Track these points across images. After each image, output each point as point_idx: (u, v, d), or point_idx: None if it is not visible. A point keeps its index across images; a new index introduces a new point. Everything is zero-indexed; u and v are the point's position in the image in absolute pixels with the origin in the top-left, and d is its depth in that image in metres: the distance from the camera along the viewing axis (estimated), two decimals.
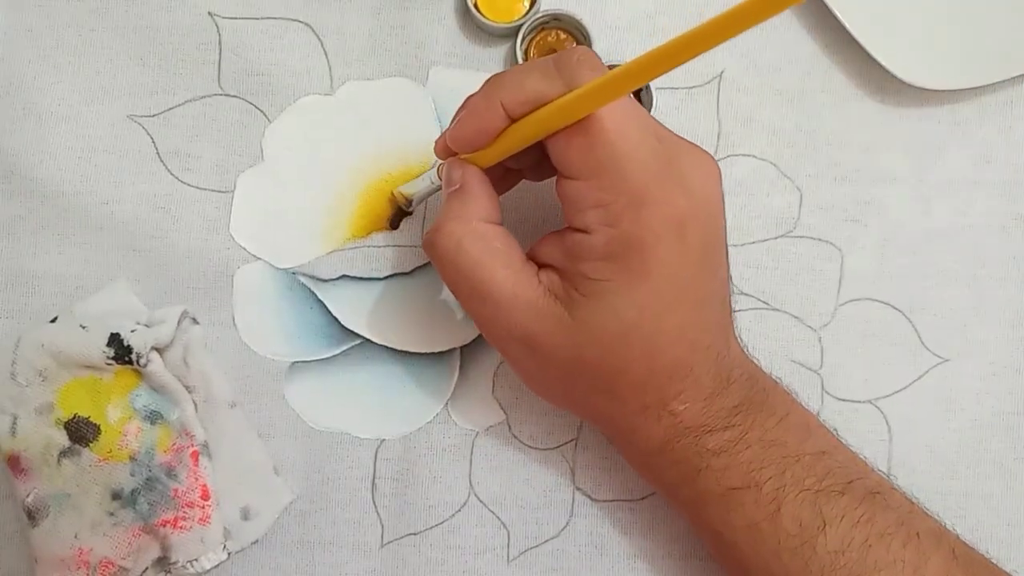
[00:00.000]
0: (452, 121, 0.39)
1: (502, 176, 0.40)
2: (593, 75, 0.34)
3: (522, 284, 0.37)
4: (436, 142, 0.40)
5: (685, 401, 0.37)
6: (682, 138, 0.38)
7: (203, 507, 0.42)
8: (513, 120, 0.36)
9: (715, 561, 0.41)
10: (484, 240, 0.37)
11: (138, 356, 0.41)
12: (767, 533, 0.37)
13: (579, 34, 0.45)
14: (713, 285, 0.38)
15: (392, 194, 0.45)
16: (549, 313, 0.36)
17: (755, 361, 0.40)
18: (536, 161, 0.39)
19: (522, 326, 0.37)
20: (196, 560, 0.42)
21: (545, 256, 0.38)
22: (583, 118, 0.35)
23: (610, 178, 0.35)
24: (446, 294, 0.45)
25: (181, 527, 0.42)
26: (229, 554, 0.43)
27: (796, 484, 0.37)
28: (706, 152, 0.38)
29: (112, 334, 0.41)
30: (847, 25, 0.45)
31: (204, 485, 0.42)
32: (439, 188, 0.43)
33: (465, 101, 0.38)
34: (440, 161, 0.41)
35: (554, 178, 0.37)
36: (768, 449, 0.37)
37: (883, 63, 0.45)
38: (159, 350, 0.42)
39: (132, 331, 0.41)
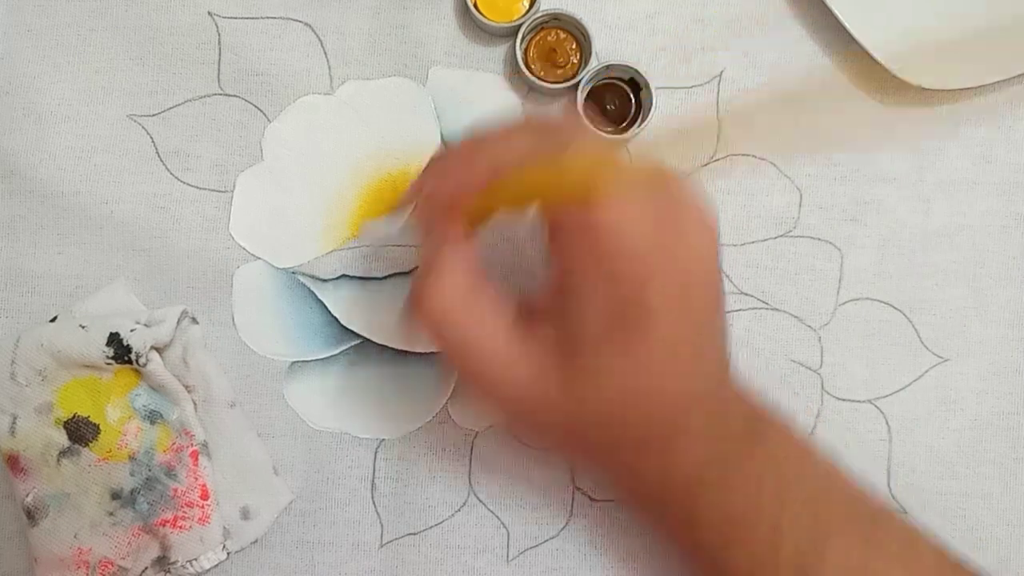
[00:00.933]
0: (425, 174, 0.38)
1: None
2: (579, 134, 0.34)
3: (513, 352, 0.35)
4: (410, 190, 0.39)
5: (686, 450, 0.36)
6: (680, 189, 0.35)
7: (202, 507, 0.42)
8: (494, 179, 0.35)
9: None
10: (468, 308, 0.36)
11: (137, 356, 0.41)
12: (768, 569, 0.36)
13: (579, 34, 0.45)
14: (711, 337, 0.36)
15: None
16: (544, 380, 0.35)
17: (750, 392, 0.39)
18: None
19: (515, 393, 0.35)
20: (195, 560, 0.42)
21: (541, 313, 0.36)
22: (578, 198, 0.33)
23: (604, 240, 0.33)
24: None
25: (180, 527, 0.42)
26: (228, 554, 0.43)
27: (794, 521, 0.36)
28: (703, 205, 0.36)
29: (111, 334, 0.41)
30: (847, 25, 0.45)
31: (203, 485, 0.42)
32: (405, 231, 0.41)
33: (435, 162, 0.37)
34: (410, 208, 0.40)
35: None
36: (765, 486, 0.36)
37: (883, 63, 0.45)
38: (158, 350, 0.42)
39: (131, 331, 0.41)
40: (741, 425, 0.37)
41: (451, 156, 0.37)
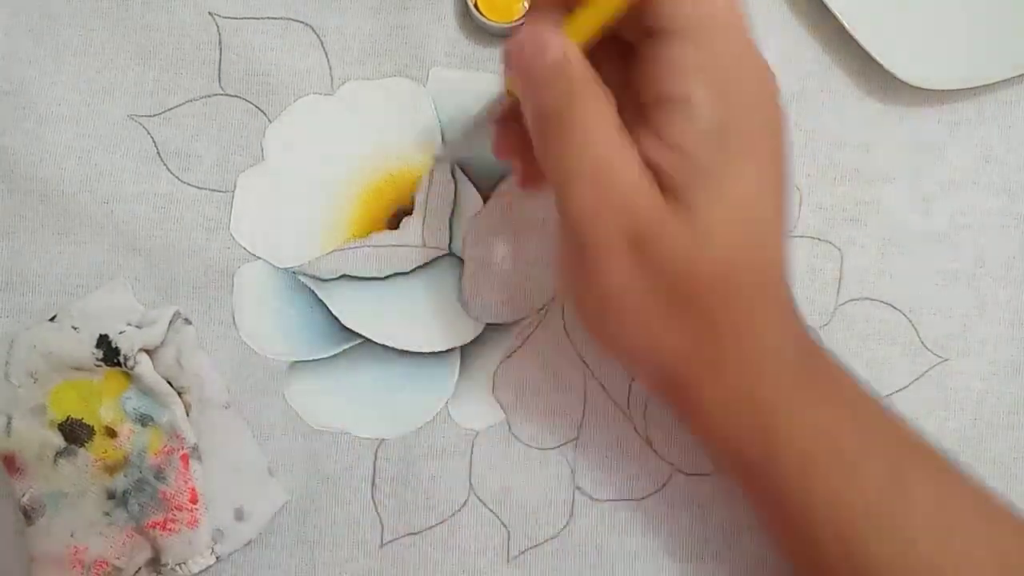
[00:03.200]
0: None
1: None
2: None
3: (625, 159, 0.30)
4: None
5: (773, 333, 0.33)
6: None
7: (191, 511, 0.41)
8: None
9: (769, 535, 0.39)
10: (588, 86, 0.30)
11: (125, 358, 0.40)
12: (846, 501, 0.33)
13: None
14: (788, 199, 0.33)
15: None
16: (656, 204, 0.30)
17: None
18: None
19: (629, 214, 0.30)
20: (184, 563, 0.41)
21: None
22: None
23: (714, 39, 0.30)
24: (446, 293, 0.44)
25: (170, 529, 0.40)
26: (218, 558, 0.41)
27: (877, 451, 0.33)
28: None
29: (101, 335, 0.40)
30: (847, 25, 0.44)
31: (193, 488, 0.41)
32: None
33: None
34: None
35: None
36: (846, 410, 0.34)
37: (883, 63, 0.44)
38: (150, 352, 0.41)
39: (121, 332, 0.40)
40: (812, 337, 0.35)
41: None
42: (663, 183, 0.30)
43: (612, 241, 0.30)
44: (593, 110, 0.30)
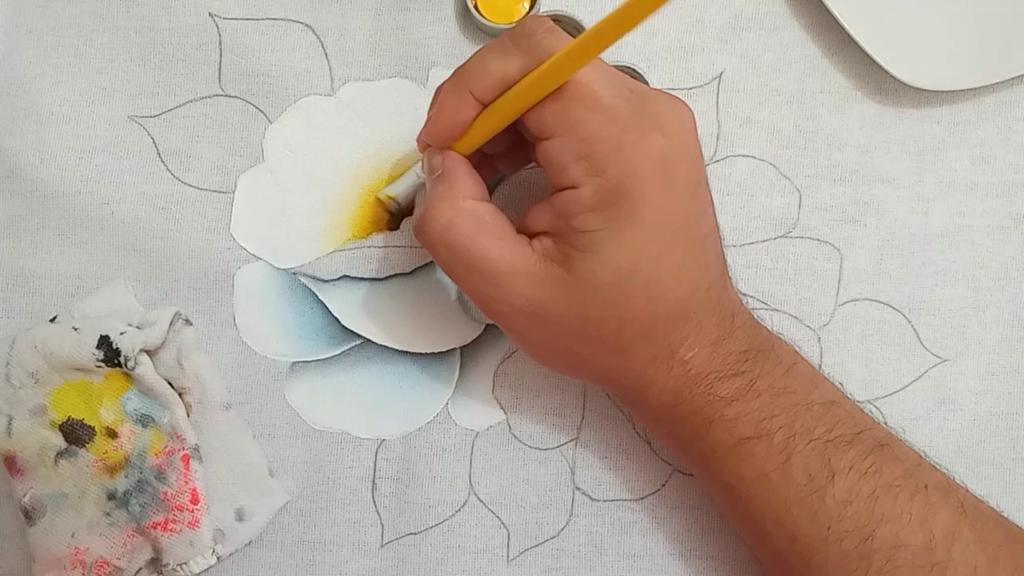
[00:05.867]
0: (427, 116, 0.38)
1: (478, 166, 0.39)
2: (550, 39, 0.34)
3: (517, 254, 0.36)
4: (417, 139, 0.39)
5: (693, 347, 0.36)
6: (652, 88, 0.37)
7: (192, 511, 0.41)
8: (484, 105, 0.36)
9: (725, 519, 0.41)
10: (474, 216, 0.36)
11: (126, 359, 0.40)
12: (777, 484, 0.36)
13: (578, 35, 0.45)
14: (703, 226, 0.37)
15: (377, 197, 0.44)
16: (548, 277, 0.35)
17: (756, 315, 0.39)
18: (510, 145, 0.39)
19: (524, 296, 0.36)
20: (186, 563, 0.41)
21: (535, 223, 0.37)
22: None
23: (586, 128, 0.34)
24: (446, 294, 0.44)
25: (171, 530, 0.40)
26: (219, 558, 0.41)
27: (806, 434, 0.36)
28: (677, 97, 0.37)
29: (102, 336, 0.40)
30: (846, 26, 0.44)
31: (194, 489, 0.41)
32: (423, 182, 0.41)
33: (436, 92, 0.38)
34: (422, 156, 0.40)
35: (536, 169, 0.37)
36: (778, 398, 0.36)
37: (882, 64, 0.44)
38: (151, 352, 0.41)
39: (121, 333, 0.40)
40: (748, 331, 0.37)
41: (439, 95, 0.37)
42: (558, 251, 0.36)
43: (512, 318, 0.37)
44: (483, 244, 0.36)
